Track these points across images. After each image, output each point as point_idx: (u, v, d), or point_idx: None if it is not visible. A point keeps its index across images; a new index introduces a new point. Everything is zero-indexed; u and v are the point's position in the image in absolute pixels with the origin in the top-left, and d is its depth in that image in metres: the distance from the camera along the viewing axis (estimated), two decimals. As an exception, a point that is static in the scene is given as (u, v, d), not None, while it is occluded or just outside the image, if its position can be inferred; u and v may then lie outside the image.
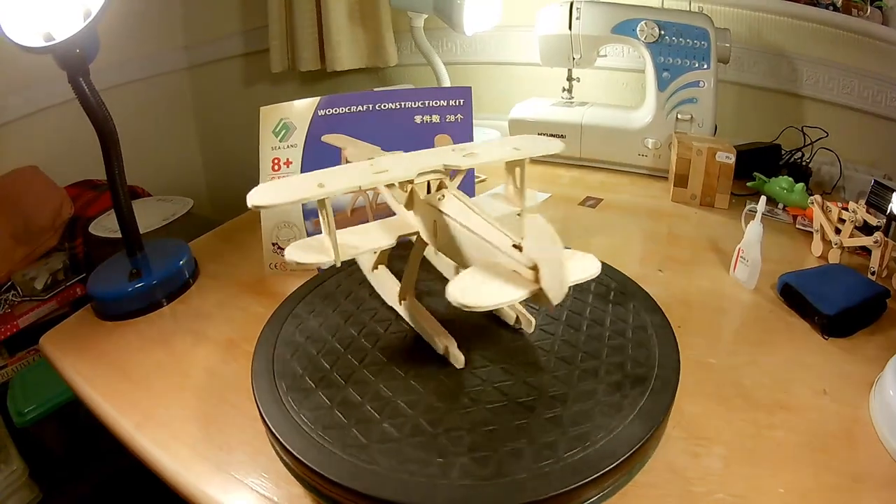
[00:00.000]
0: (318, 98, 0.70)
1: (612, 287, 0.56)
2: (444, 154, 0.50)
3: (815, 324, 0.58)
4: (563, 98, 1.12)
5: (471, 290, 0.37)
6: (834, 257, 0.68)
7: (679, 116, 0.93)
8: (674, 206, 0.90)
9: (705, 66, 0.88)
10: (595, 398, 0.43)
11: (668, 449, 0.45)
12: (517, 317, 0.51)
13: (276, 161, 0.71)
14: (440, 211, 0.45)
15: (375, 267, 0.59)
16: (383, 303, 0.56)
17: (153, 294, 0.67)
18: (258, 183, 0.72)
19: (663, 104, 0.94)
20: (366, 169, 0.47)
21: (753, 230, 0.64)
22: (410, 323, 0.53)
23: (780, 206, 0.83)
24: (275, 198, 0.43)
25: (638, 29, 0.91)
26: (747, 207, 0.69)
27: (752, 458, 0.45)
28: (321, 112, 0.70)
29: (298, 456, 0.39)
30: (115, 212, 0.67)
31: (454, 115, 0.71)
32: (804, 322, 0.60)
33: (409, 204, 0.49)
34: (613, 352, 0.48)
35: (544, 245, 0.36)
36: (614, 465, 0.38)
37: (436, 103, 0.71)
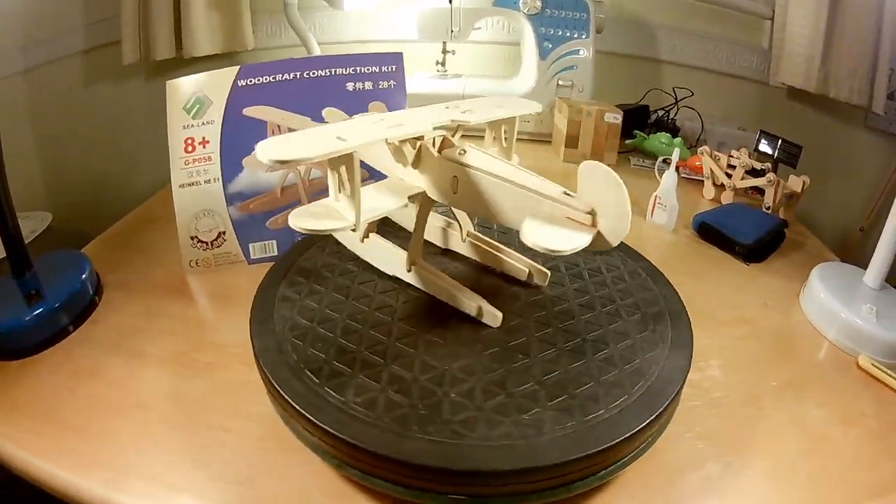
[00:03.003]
0: (238, 67, 0.61)
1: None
2: (444, 112, 0.48)
3: (737, 253, 0.68)
4: (438, 71, 1.13)
5: (543, 236, 0.36)
6: (727, 198, 0.80)
7: (560, 83, 1.00)
8: (566, 165, 0.96)
9: (584, 36, 0.96)
10: (631, 336, 0.46)
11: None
12: (529, 271, 0.51)
13: (189, 141, 0.61)
14: (465, 165, 0.43)
15: (366, 236, 0.53)
16: (380, 274, 0.52)
17: (59, 319, 0.53)
18: (113, 189, 0.60)
19: (544, 72, 1.00)
20: (379, 123, 0.43)
21: (669, 179, 0.73)
22: (425, 289, 0.50)
23: (660, 158, 0.94)
24: (296, 152, 0.36)
25: (521, 2, 0.95)
26: (659, 160, 0.78)
27: (739, 365, 0.53)
28: (241, 82, 0.61)
29: (381, 453, 0.34)
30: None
31: (387, 81, 0.67)
32: (723, 253, 0.70)
33: (416, 162, 0.46)
34: (623, 294, 0.51)
35: (599, 189, 0.37)
36: (678, 390, 0.41)
37: (367, 70, 0.66)
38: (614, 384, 0.41)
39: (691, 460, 0.42)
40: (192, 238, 0.62)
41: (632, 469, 0.39)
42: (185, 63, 1.12)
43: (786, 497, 0.40)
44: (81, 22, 1.17)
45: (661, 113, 1.07)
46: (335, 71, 0.65)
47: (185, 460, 0.41)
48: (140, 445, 0.42)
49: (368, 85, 0.67)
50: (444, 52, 1.11)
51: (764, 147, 0.78)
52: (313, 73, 0.64)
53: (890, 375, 0.51)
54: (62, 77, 1.19)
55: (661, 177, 0.74)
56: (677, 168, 0.91)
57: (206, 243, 0.63)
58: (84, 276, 0.57)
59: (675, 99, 1.04)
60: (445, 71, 1.13)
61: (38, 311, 0.51)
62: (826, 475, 0.42)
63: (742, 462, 0.42)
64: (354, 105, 0.66)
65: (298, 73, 0.64)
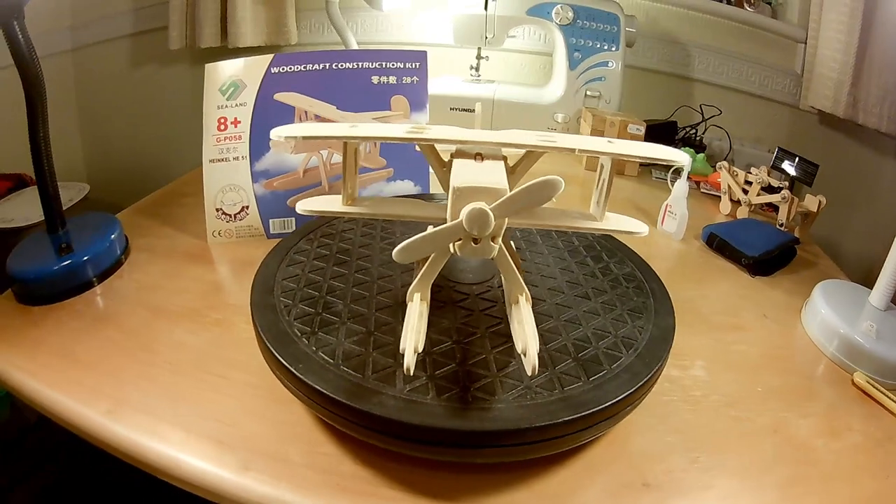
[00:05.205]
0: (272, 55, 0.66)
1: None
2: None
3: (742, 265, 0.68)
4: (471, 76, 1.16)
5: None
6: (742, 213, 0.80)
7: (588, 93, 1.01)
8: (587, 173, 0.97)
9: (614, 49, 0.97)
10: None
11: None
12: None
13: (222, 120, 0.66)
14: None
15: None
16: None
17: (85, 271, 0.58)
18: (151, 169, 0.64)
19: (573, 82, 1.02)
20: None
21: (681, 187, 0.73)
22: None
23: (672, 168, 0.94)
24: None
25: (553, 12, 0.98)
26: (672, 169, 0.79)
27: (727, 368, 0.53)
28: (274, 69, 0.66)
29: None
30: (36, 179, 0.57)
31: (410, 77, 0.70)
32: (730, 264, 0.70)
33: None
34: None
35: None
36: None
37: (392, 65, 0.70)
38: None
39: (657, 450, 0.42)
40: (217, 210, 0.67)
41: (597, 449, 0.41)
42: (229, 52, 1.17)
43: (755, 499, 0.40)
44: (131, 6, 1.26)
45: (688, 130, 1.07)
46: (362, 64, 0.69)
47: (180, 400, 0.45)
48: (141, 384, 0.46)
49: (392, 79, 0.70)
50: (479, 57, 1.15)
51: (782, 165, 0.78)
52: (341, 65, 0.68)
53: (884, 394, 0.51)
54: (109, 58, 1.28)
55: (672, 186, 0.75)
56: (698, 184, 0.92)
57: (230, 216, 0.68)
58: (113, 235, 0.62)
59: (702, 116, 1.04)
60: (479, 76, 1.17)
61: (66, 262, 0.56)
62: (800, 483, 0.41)
63: (711, 460, 0.42)
64: (378, 97, 0.70)
65: (327, 64, 0.68)
